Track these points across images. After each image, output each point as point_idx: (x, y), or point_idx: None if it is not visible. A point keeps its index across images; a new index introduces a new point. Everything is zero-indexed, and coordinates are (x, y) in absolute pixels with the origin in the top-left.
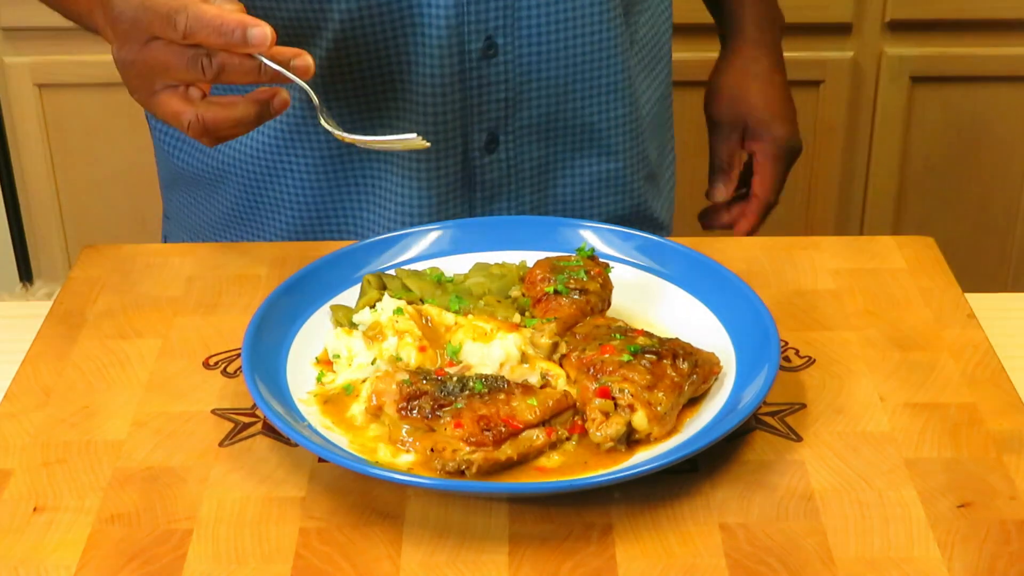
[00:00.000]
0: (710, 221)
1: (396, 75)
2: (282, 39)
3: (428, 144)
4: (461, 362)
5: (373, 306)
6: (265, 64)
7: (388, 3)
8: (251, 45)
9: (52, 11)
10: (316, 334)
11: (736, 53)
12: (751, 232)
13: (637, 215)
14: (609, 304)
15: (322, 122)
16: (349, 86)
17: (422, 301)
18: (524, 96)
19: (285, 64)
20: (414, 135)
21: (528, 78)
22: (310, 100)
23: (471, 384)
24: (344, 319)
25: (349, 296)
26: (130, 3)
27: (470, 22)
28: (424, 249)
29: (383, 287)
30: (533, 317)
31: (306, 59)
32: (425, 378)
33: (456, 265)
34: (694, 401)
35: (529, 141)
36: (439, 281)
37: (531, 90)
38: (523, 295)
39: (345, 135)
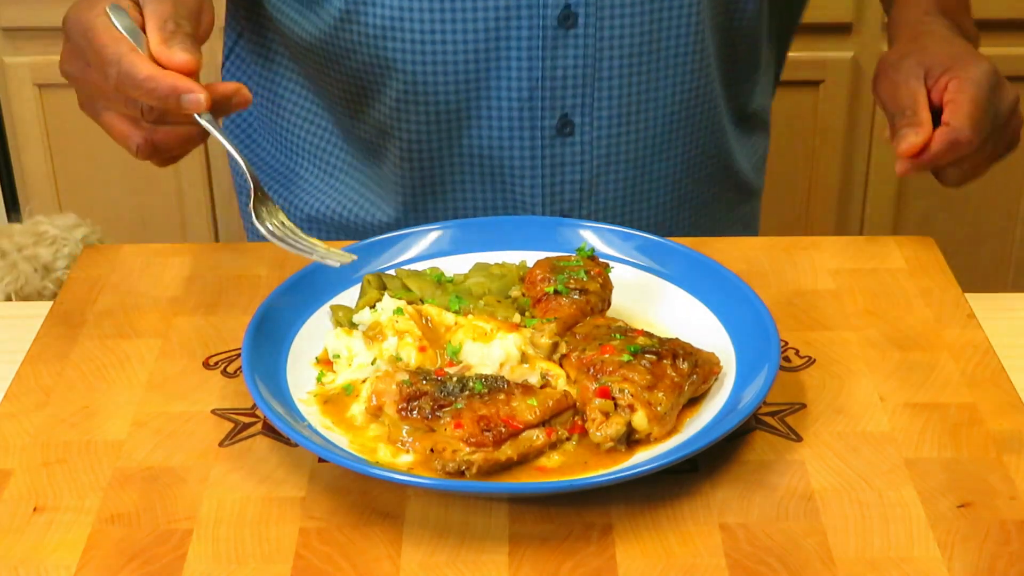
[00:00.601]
0: (902, 170)
1: (465, 148)
2: (347, 90)
3: (354, 257)
4: (461, 362)
5: (373, 306)
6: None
7: (457, 71)
8: (185, 110)
9: (52, 11)
10: (316, 334)
11: (900, 34)
12: (929, 163)
13: None
14: (609, 304)
15: (252, 213)
16: (426, 155)
17: (422, 301)
18: (601, 176)
19: (227, 100)
20: (337, 261)
21: (606, 159)
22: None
23: (471, 384)
24: (344, 319)
25: (349, 296)
26: (77, 25)
27: (544, 97)
28: (424, 249)
29: (383, 287)
30: (533, 317)
31: (244, 93)
32: (425, 378)
33: (456, 265)
34: (694, 401)
35: (604, 220)
36: (439, 281)
37: (609, 170)
38: (523, 295)
39: (272, 237)
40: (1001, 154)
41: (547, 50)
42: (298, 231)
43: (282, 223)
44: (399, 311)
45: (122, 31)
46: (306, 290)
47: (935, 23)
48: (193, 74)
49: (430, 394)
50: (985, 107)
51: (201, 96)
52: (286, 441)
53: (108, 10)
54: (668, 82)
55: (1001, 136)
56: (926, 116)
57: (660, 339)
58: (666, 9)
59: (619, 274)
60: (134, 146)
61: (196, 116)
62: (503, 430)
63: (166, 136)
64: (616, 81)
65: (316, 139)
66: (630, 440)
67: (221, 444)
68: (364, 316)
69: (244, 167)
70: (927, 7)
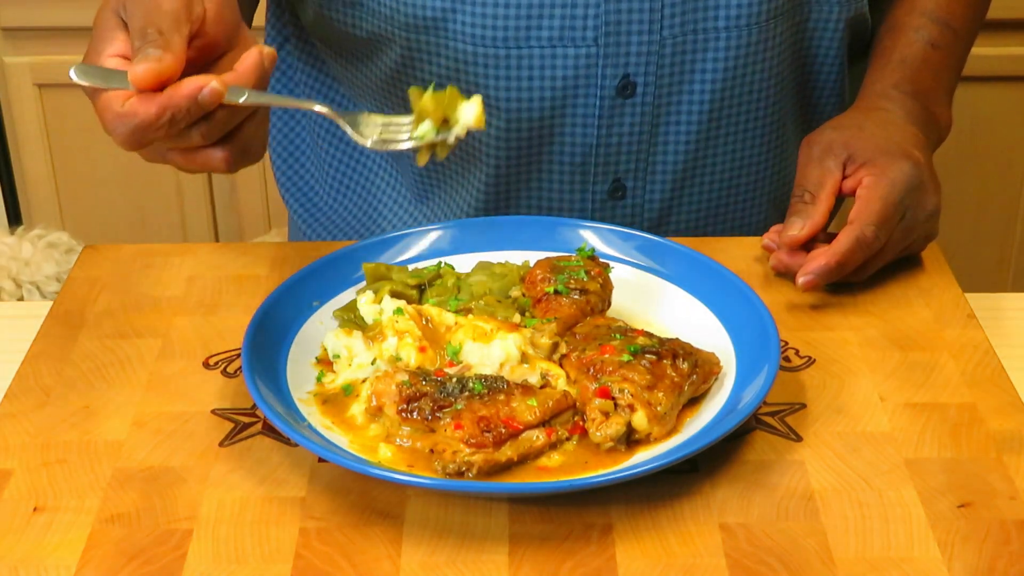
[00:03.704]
0: (775, 262)
1: (523, 206)
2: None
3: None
4: (461, 362)
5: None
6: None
7: (521, 131)
8: (209, 107)
9: (52, 11)
10: (316, 334)
11: (858, 100)
12: (830, 275)
13: None
14: (609, 304)
15: (356, 139)
16: (491, 206)
17: (422, 289)
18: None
19: (262, 70)
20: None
21: (658, 221)
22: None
23: (471, 385)
24: (349, 313)
25: (348, 296)
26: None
27: (598, 163)
28: (424, 249)
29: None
30: (533, 317)
31: (269, 53)
32: (425, 379)
33: (457, 265)
34: (694, 401)
35: None
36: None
37: (661, 232)
38: (523, 295)
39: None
40: (899, 254)
41: (603, 118)
42: (394, 121)
43: (385, 125)
44: (399, 311)
45: (100, 85)
46: (306, 290)
47: (893, 104)
48: (172, 76)
49: (430, 395)
50: (895, 208)
51: (213, 83)
52: (286, 441)
53: (72, 74)
54: (732, 139)
55: (906, 237)
56: (823, 206)
57: (660, 339)
58: (740, 75)
59: (619, 274)
60: (223, 166)
61: (234, 101)
62: (503, 431)
63: (239, 135)
64: (673, 147)
65: (363, 168)
66: (630, 440)
67: (221, 444)
68: (368, 308)
69: (320, 110)
70: (898, 80)
